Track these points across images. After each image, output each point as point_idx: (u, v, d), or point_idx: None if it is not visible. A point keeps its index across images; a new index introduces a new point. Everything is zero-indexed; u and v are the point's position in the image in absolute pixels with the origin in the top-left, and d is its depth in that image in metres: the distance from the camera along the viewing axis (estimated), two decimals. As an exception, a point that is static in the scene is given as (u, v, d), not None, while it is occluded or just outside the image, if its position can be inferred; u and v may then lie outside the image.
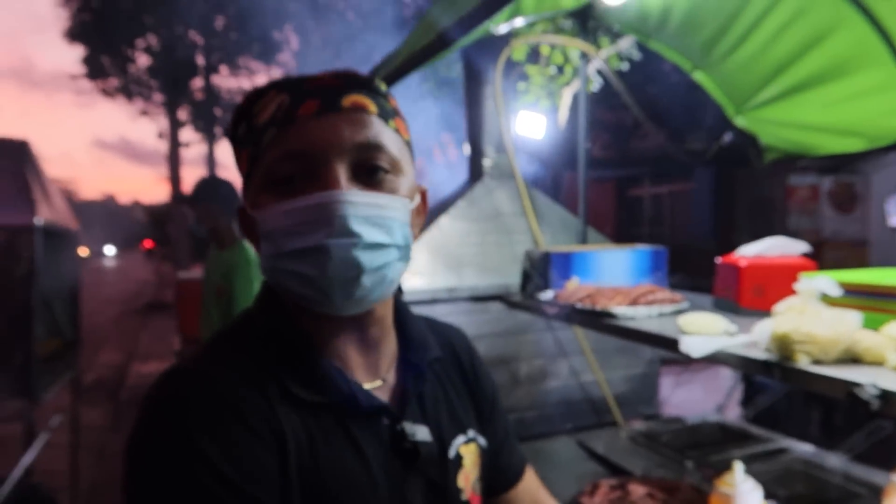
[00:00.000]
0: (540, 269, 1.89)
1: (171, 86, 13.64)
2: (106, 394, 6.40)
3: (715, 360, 1.14)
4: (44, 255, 2.94)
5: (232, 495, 0.57)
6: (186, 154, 15.49)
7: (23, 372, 2.81)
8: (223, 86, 14.77)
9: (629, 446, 2.10)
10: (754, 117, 2.37)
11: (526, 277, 1.97)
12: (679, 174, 11.14)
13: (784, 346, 1.03)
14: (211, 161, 16.56)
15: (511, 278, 2.22)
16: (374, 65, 1.84)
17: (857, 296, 1.13)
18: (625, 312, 1.50)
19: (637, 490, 1.59)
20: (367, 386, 0.73)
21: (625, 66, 3.82)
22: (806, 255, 1.60)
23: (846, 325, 1.03)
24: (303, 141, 0.64)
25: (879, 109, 1.99)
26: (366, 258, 0.64)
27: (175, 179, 16.28)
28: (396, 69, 1.66)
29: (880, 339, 1.00)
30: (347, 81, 0.68)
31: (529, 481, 0.96)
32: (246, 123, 0.70)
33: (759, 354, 1.08)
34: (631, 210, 12.68)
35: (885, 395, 0.86)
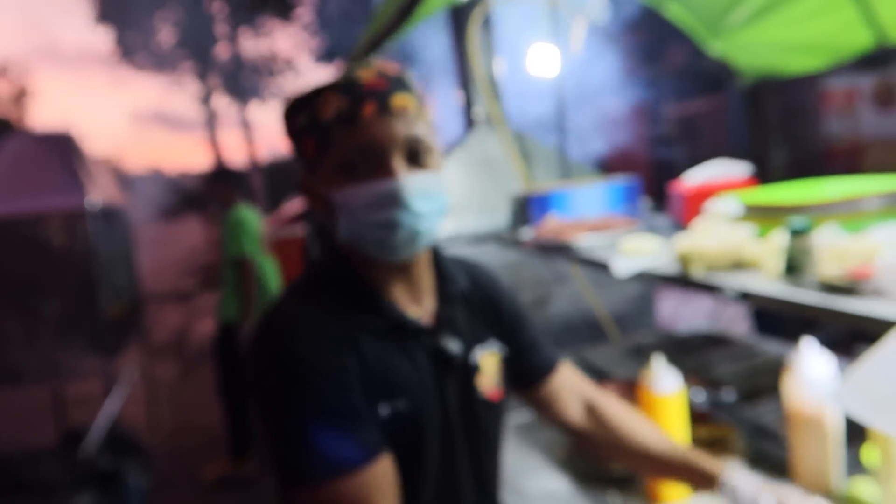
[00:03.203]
0: (521, 209, 2.12)
1: (198, 55, 13.93)
2: (172, 350, 7.01)
3: (639, 277, 1.37)
4: (99, 231, 3.32)
5: (333, 388, 0.84)
6: (220, 119, 15.97)
7: (96, 334, 3.24)
8: (246, 49, 14.99)
9: (620, 357, 2.36)
10: (728, 42, 2.48)
11: (513, 218, 2.21)
12: (708, 90, 10.87)
13: (684, 260, 1.25)
14: (244, 121, 16.98)
15: (504, 219, 2.45)
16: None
17: (753, 212, 1.33)
18: (583, 242, 1.72)
19: (610, 389, 1.85)
20: (411, 311, 0.97)
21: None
22: (752, 178, 1.78)
23: (735, 239, 1.24)
24: (367, 137, 0.86)
25: (835, 26, 2.09)
26: (421, 224, 0.89)
27: (215, 144, 16.80)
28: (372, 40, 1.87)
29: (762, 247, 1.21)
30: (392, 84, 0.89)
31: (567, 376, 1.17)
32: (307, 115, 0.89)
33: (672, 270, 1.31)
34: (663, 131, 12.48)
35: (744, 294, 1.09)
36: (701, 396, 1.88)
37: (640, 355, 2.34)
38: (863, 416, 0.77)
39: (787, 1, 2.13)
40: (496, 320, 1.09)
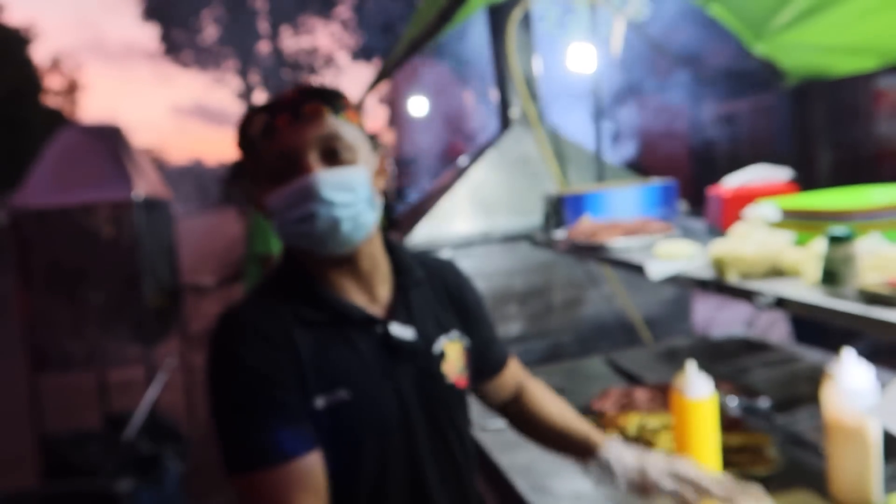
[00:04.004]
0: (555, 210, 2.12)
1: (240, 52, 14.23)
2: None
3: (673, 281, 1.36)
4: (144, 223, 3.42)
5: (261, 384, 0.90)
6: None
7: (139, 323, 3.35)
8: (287, 46, 15.23)
9: (652, 361, 2.34)
10: (771, 43, 2.43)
11: (546, 218, 2.21)
12: (754, 89, 10.61)
13: (719, 265, 1.24)
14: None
15: (538, 219, 2.45)
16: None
17: (793, 218, 1.31)
18: (617, 244, 1.72)
19: (641, 395, 1.84)
20: (361, 303, 1.01)
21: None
22: (792, 182, 1.74)
23: (773, 245, 1.22)
24: (282, 144, 0.94)
25: (886, 28, 2.03)
26: (340, 213, 0.93)
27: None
28: (413, 40, 1.89)
29: (801, 254, 1.19)
30: (305, 94, 0.97)
31: (513, 369, 1.27)
32: (241, 135, 0.99)
33: (706, 274, 1.30)
34: (707, 131, 12.24)
35: (780, 301, 1.07)
36: (734, 403, 1.86)
37: (673, 359, 2.31)
38: (898, 430, 0.76)
39: (835, 2, 2.07)
40: (460, 313, 1.14)
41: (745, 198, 1.67)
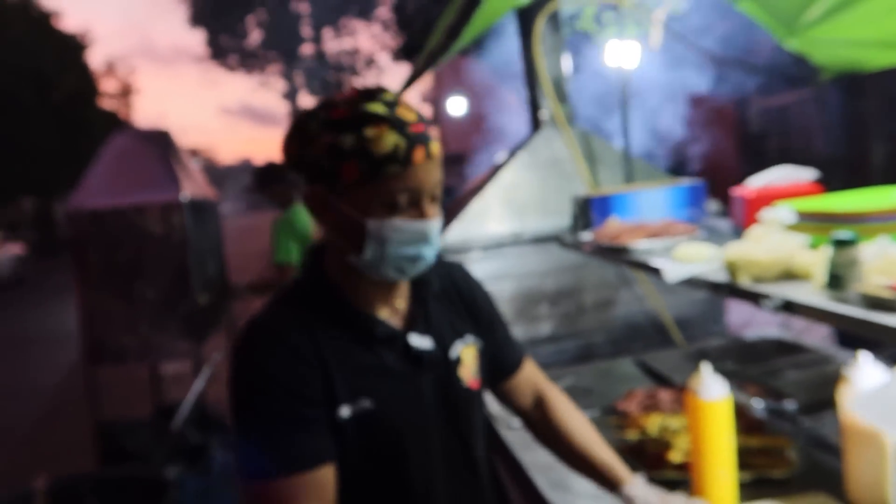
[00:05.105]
0: (583, 212, 2.15)
1: (284, 55, 14.57)
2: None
3: (688, 283, 1.39)
4: (191, 223, 3.59)
5: (286, 397, 0.93)
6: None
7: (188, 319, 3.51)
8: (329, 48, 15.53)
9: (682, 363, 2.34)
10: (804, 38, 2.39)
11: (574, 220, 2.24)
12: (803, 80, 10.24)
13: (731, 268, 1.26)
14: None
15: (569, 220, 2.48)
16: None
17: (809, 220, 1.31)
18: (640, 246, 1.74)
19: (665, 396, 1.86)
20: (383, 315, 1.04)
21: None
22: (816, 182, 1.73)
23: (786, 248, 1.23)
24: (416, 181, 0.95)
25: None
26: (432, 256, 1.01)
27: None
28: (439, 43, 1.94)
29: (813, 257, 1.20)
30: (429, 129, 0.98)
31: (529, 370, 1.30)
32: (355, 140, 0.92)
33: (720, 277, 1.32)
34: (756, 125, 11.92)
35: (787, 304, 1.09)
36: (760, 405, 1.86)
37: (702, 360, 2.30)
38: (881, 425, 0.77)
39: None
40: (472, 316, 1.18)
41: (768, 198, 1.67)
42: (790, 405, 1.83)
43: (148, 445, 3.18)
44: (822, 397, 1.91)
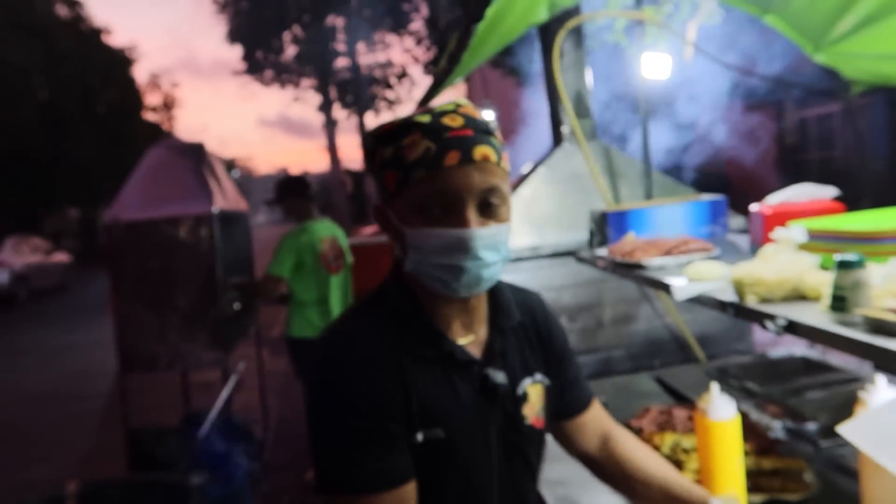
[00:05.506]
0: (599, 227, 2.14)
1: (318, 69, 14.84)
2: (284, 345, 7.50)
3: (697, 301, 1.37)
4: (221, 235, 3.68)
5: (372, 413, 0.90)
6: (339, 125, 16.93)
7: (216, 328, 3.59)
8: (362, 61, 15.78)
9: (702, 380, 2.30)
10: (833, 52, 2.35)
11: (591, 235, 2.23)
12: (834, 94, 9.97)
13: (739, 288, 1.24)
14: (362, 128, 17.85)
15: (586, 235, 2.47)
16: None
17: (819, 240, 1.29)
18: (654, 263, 1.72)
19: (680, 414, 1.83)
20: (462, 341, 1.00)
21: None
22: (836, 199, 1.70)
23: (796, 268, 1.21)
24: (446, 185, 0.90)
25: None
26: (485, 272, 0.93)
27: (333, 151, 17.79)
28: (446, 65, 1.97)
29: (822, 278, 1.18)
30: (477, 132, 0.92)
31: (596, 411, 1.23)
32: (393, 150, 0.93)
33: (729, 296, 1.30)
34: (795, 136, 11.65)
35: (791, 325, 1.08)
36: (778, 425, 1.81)
37: (723, 379, 2.26)
38: (870, 452, 0.76)
39: (894, 11, 1.99)
40: (544, 353, 1.12)
41: (787, 216, 1.65)
42: (811, 426, 1.78)
43: (174, 453, 3.25)
44: (844, 418, 1.86)
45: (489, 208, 0.92)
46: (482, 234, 0.91)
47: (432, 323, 0.98)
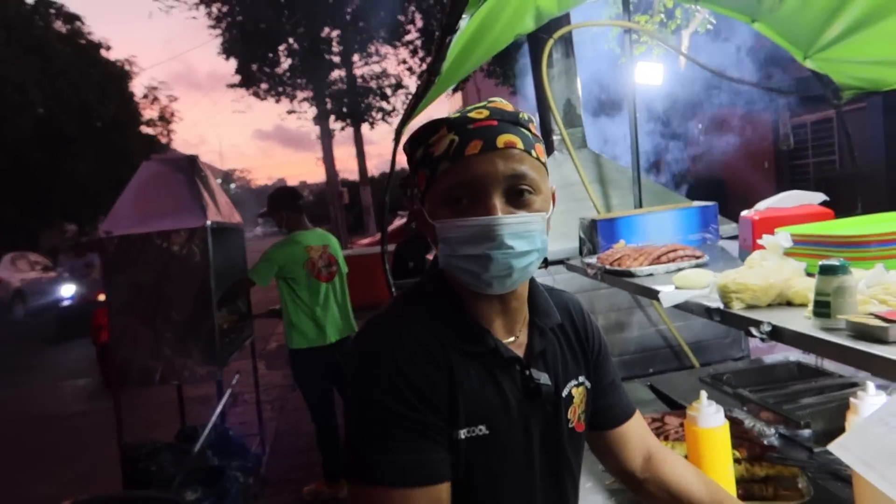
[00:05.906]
0: (589, 235, 2.14)
1: (314, 82, 14.87)
2: (284, 358, 7.48)
3: (683, 308, 1.37)
4: (214, 248, 3.66)
5: (418, 400, 0.86)
6: (335, 136, 16.96)
7: (210, 342, 3.57)
8: (358, 73, 15.84)
9: (696, 387, 2.28)
10: (822, 59, 2.35)
11: (581, 243, 2.23)
12: (825, 100, 10.01)
13: (724, 294, 1.24)
14: (357, 140, 17.88)
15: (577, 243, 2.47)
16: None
17: (804, 245, 1.28)
18: (642, 271, 1.72)
19: (672, 421, 1.82)
20: (504, 341, 0.98)
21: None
22: (829, 205, 1.69)
23: (782, 274, 1.21)
24: (469, 174, 0.88)
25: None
26: (515, 262, 0.89)
27: (329, 162, 17.82)
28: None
29: (808, 283, 1.17)
30: (502, 122, 0.91)
31: (639, 425, 1.16)
32: (423, 150, 0.93)
33: (714, 303, 1.30)
34: (791, 142, 11.70)
35: (775, 330, 1.07)
36: (772, 432, 1.80)
37: (717, 385, 2.25)
38: (859, 470, 0.75)
39: (881, 16, 2.00)
40: (586, 357, 1.10)
41: (775, 222, 1.64)
42: (805, 432, 1.77)
43: (169, 468, 3.22)
44: (839, 424, 1.85)
45: (519, 196, 0.90)
46: (508, 222, 0.87)
47: (477, 320, 0.96)
